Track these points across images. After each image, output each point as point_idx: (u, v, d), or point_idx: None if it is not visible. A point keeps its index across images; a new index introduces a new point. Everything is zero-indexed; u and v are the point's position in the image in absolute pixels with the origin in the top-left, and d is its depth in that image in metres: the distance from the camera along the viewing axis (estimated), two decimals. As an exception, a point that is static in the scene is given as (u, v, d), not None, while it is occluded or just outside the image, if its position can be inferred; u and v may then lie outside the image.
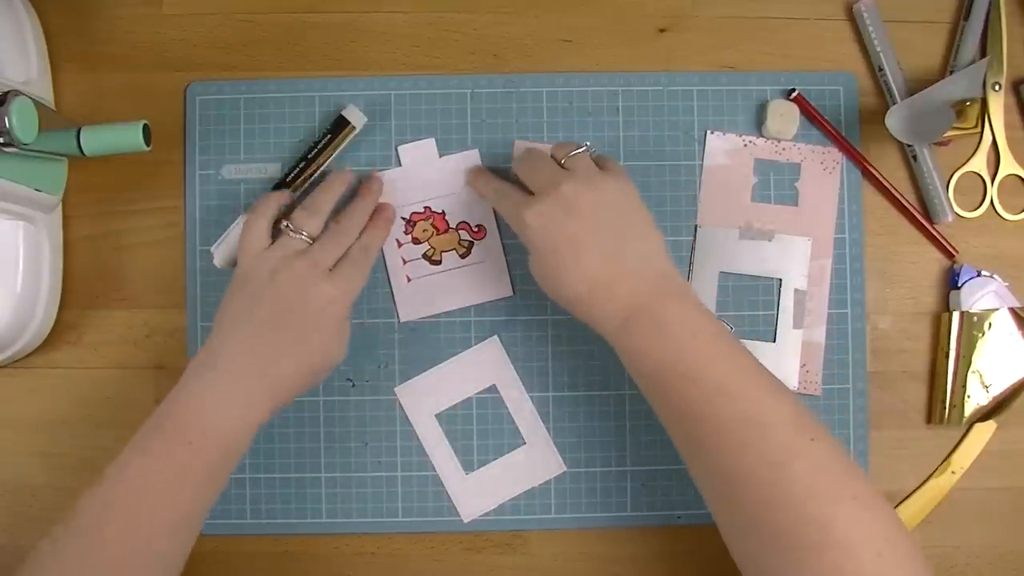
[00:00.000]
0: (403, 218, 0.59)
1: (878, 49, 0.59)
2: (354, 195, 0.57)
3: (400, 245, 0.59)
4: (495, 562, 0.59)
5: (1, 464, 0.59)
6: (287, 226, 0.53)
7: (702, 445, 0.45)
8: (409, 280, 0.59)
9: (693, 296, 0.48)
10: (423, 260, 0.59)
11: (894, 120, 0.55)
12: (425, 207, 0.59)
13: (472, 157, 0.59)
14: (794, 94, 0.59)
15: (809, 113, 0.59)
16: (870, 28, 0.59)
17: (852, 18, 0.60)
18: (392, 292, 0.59)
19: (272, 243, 0.52)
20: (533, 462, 0.59)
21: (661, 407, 0.47)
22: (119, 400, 0.59)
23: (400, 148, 0.59)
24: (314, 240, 0.53)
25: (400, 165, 0.59)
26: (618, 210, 0.49)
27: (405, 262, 0.59)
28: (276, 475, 0.58)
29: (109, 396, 0.59)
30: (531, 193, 0.51)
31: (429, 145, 0.59)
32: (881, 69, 0.59)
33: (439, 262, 0.59)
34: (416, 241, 0.59)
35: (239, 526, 0.58)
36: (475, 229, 0.59)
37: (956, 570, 0.59)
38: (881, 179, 0.59)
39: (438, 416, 0.59)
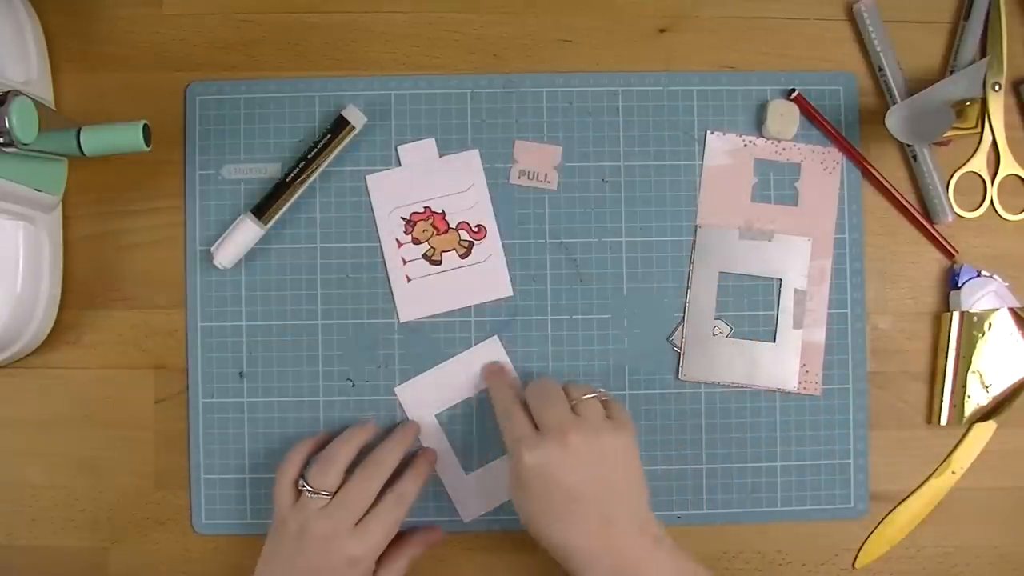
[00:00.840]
0: (403, 218, 0.59)
1: (878, 49, 0.59)
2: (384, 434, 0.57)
3: (400, 245, 0.59)
4: (495, 562, 0.59)
5: (1, 464, 0.59)
6: (303, 485, 0.52)
7: None
8: (409, 280, 0.59)
9: (670, 542, 0.49)
10: (423, 260, 0.59)
11: (894, 120, 0.55)
12: (425, 207, 0.59)
13: (472, 157, 0.59)
14: (794, 94, 0.59)
15: (809, 113, 0.59)
16: (870, 28, 0.59)
17: (852, 18, 0.60)
18: (392, 292, 0.59)
19: (297, 499, 0.52)
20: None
21: None
22: (119, 400, 0.59)
23: (400, 148, 0.59)
24: (334, 493, 0.52)
25: (400, 165, 0.59)
26: (617, 467, 0.49)
27: (405, 262, 0.59)
28: (276, 475, 0.58)
29: (109, 396, 0.59)
30: (534, 425, 0.51)
31: (429, 145, 0.59)
32: (881, 69, 0.59)
33: (439, 262, 0.59)
34: (416, 241, 0.59)
35: (239, 526, 0.58)
36: (475, 229, 0.59)
37: (956, 570, 0.59)
38: (881, 179, 0.59)
39: (438, 416, 0.59)
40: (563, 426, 0.49)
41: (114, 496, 0.59)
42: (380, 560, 0.53)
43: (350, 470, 0.53)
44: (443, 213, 0.59)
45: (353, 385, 0.59)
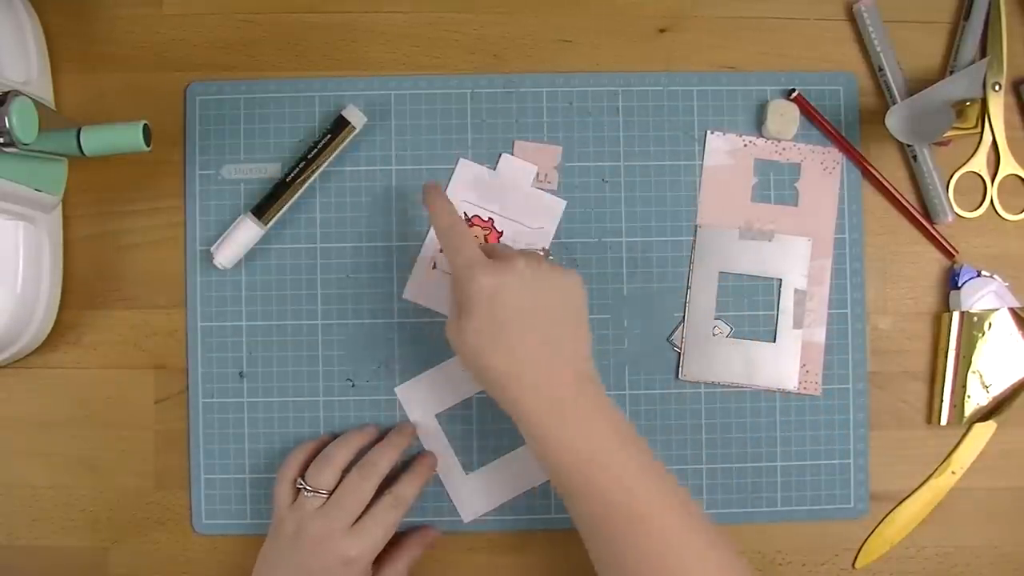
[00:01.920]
0: (465, 213, 0.59)
1: (878, 49, 0.59)
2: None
3: None
4: (495, 562, 0.59)
5: (1, 464, 0.59)
6: (300, 485, 0.52)
7: (599, 532, 0.47)
8: (433, 268, 0.59)
9: (601, 386, 0.49)
10: None
11: (894, 120, 0.55)
12: (490, 217, 0.59)
13: (558, 205, 0.59)
14: (794, 94, 0.59)
15: (809, 113, 0.59)
16: (870, 28, 0.59)
17: (852, 18, 0.60)
18: (412, 267, 0.59)
19: (295, 499, 0.53)
20: (533, 462, 0.58)
21: (563, 484, 0.47)
22: (119, 400, 0.59)
23: (503, 156, 0.59)
24: (330, 493, 0.52)
25: (496, 166, 0.59)
26: (562, 300, 0.49)
27: (441, 250, 0.59)
28: (276, 475, 0.58)
29: (109, 396, 0.59)
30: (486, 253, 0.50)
31: (529, 171, 0.59)
32: (881, 69, 0.59)
33: None
34: None
35: (239, 526, 0.58)
36: None
37: (956, 570, 0.59)
38: (881, 179, 0.59)
39: (438, 416, 0.59)
40: (513, 255, 0.49)
41: (114, 496, 0.59)
42: (378, 563, 0.53)
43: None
44: (501, 233, 0.59)
45: (353, 385, 0.59)
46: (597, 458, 0.46)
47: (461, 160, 0.59)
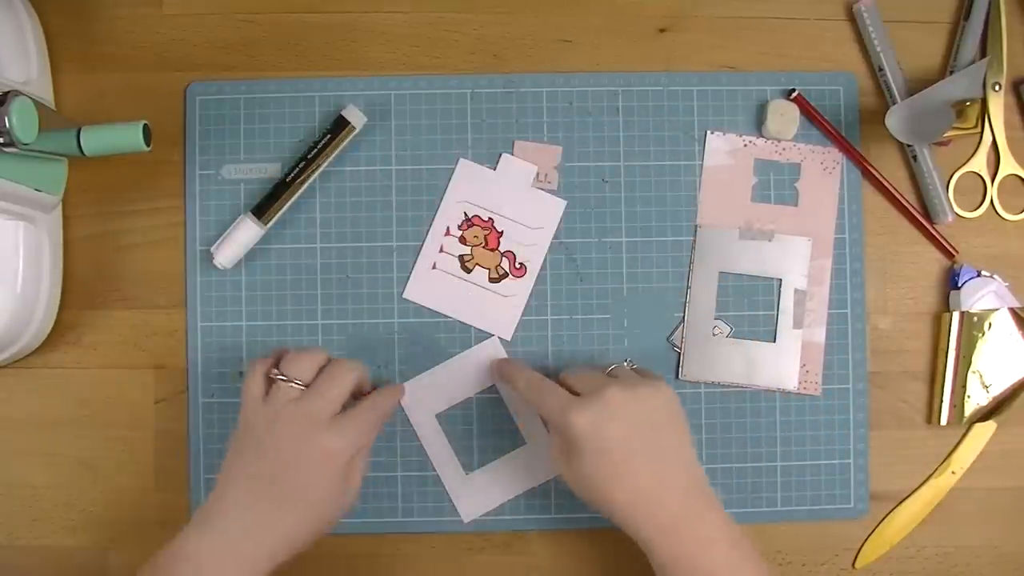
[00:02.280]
0: (465, 213, 0.59)
1: (878, 49, 0.59)
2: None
3: (447, 233, 0.59)
4: (495, 562, 0.59)
5: (1, 464, 0.59)
6: (276, 373, 0.50)
7: None
8: (433, 267, 0.59)
9: (718, 502, 0.49)
10: (456, 260, 0.59)
11: (894, 120, 0.55)
12: (490, 218, 0.59)
13: (559, 206, 0.59)
14: (794, 94, 0.59)
15: (809, 113, 0.59)
16: (870, 28, 0.59)
17: (852, 18, 0.60)
18: (412, 267, 0.59)
19: (267, 394, 0.50)
20: (533, 462, 0.59)
21: None
22: (119, 400, 0.59)
23: (504, 155, 0.59)
24: (307, 386, 0.50)
25: (496, 166, 0.59)
26: (661, 417, 0.50)
27: (441, 250, 0.59)
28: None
29: (109, 396, 0.59)
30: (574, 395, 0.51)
31: (529, 170, 0.59)
32: (881, 69, 0.59)
33: (469, 271, 0.59)
34: (462, 241, 0.59)
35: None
36: (517, 266, 0.59)
37: (956, 570, 0.59)
38: (881, 179, 0.59)
39: (438, 416, 0.59)
40: (600, 384, 0.49)
41: (114, 496, 0.59)
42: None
43: None
44: (501, 233, 0.59)
45: (353, 385, 0.59)
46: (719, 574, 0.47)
47: (461, 160, 0.59)
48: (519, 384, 0.53)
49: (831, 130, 0.59)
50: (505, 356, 0.59)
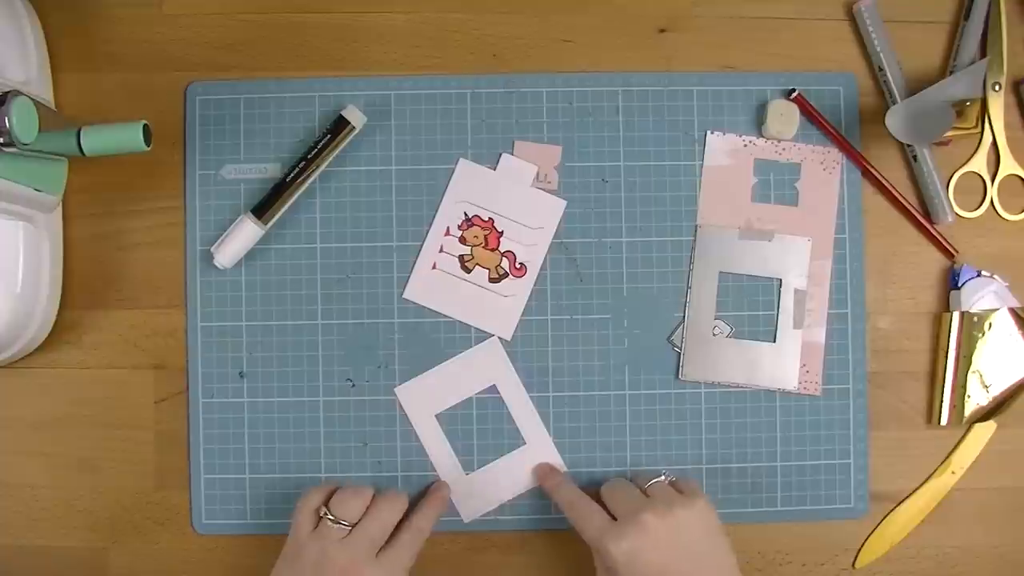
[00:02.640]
0: (465, 213, 0.59)
1: (878, 49, 0.59)
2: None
3: (447, 233, 0.59)
4: (495, 562, 0.59)
5: (1, 464, 0.59)
6: (325, 514, 0.52)
7: None
8: (433, 268, 0.59)
9: None
10: (456, 260, 0.59)
11: (894, 120, 0.55)
12: (490, 218, 0.59)
13: (559, 206, 0.59)
14: (794, 94, 0.59)
15: (809, 113, 0.59)
16: (870, 28, 0.59)
17: (852, 18, 0.60)
18: (412, 267, 0.59)
19: (315, 527, 0.52)
20: (533, 462, 0.59)
21: None
22: (119, 400, 0.59)
23: (504, 155, 0.59)
24: (354, 525, 0.52)
25: (497, 166, 0.59)
26: (701, 542, 0.50)
27: (441, 250, 0.59)
28: (276, 475, 0.58)
29: (109, 396, 0.59)
30: (611, 515, 0.52)
31: (529, 170, 0.59)
32: (881, 69, 0.59)
33: (469, 271, 0.59)
34: (462, 241, 0.59)
35: (239, 526, 0.58)
36: (517, 266, 0.59)
37: (956, 570, 0.59)
38: (881, 179, 0.59)
39: (438, 416, 0.59)
40: (637, 509, 0.50)
41: (114, 496, 0.59)
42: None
43: None
44: (501, 233, 0.59)
45: (353, 385, 0.59)
46: None
47: (461, 160, 0.59)
48: (557, 498, 0.55)
49: (831, 130, 0.59)
50: (504, 357, 0.59)
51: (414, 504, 0.56)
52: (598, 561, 0.51)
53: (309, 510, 0.53)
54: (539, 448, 0.58)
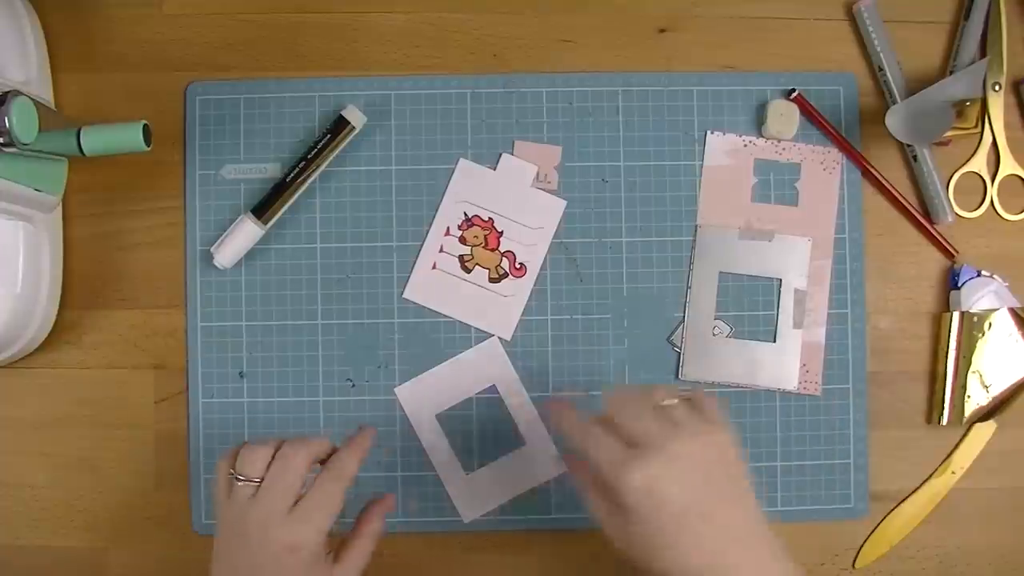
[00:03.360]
0: (465, 213, 0.59)
1: (878, 49, 0.59)
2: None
3: (447, 233, 0.59)
4: (495, 562, 0.59)
5: (1, 464, 0.59)
6: (232, 473, 0.47)
7: None
8: (433, 268, 0.59)
9: (784, 552, 0.45)
10: (456, 260, 0.59)
11: (894, 120, 0.55)
12: (490, 218, 0.59)
13: (559, 206, 0.59)
14: (794, 94, 0.59)
15: (809, 113, 0.59)
16: (870, 28, 0.59)
17: (852, 18, 0.60)
18: (412, 267, 0.59)
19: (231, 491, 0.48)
20: (533, 462, 0.59)
21: None
22: (119, 400, 0.59)
23: (504, 155, 0.59)
24: (262, 480, 0.47)
25: (497, 166, 0.59)
26: (723, 470, 0.45)
27: (441, 250, 0.59)
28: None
29: (109, 396, 0.59)
30: (626, 443, 0.45)
31: (529, 170, 0.59)
32: (881, 69, 0.59)
33: (469, 271, 0.59)
34: (462, 241, 0.59)
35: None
36: (517, 266, 0.59)
37: (956, 570, 0.59)
38: (881, 179, 0.59)
39: (438, 416, 0.59)
40: (662, 436, 0.44)
41: (114, 496, 0.59)
42: (344, 543, 0.50)
43: None
44: (501, 233, 0.59)
45: (353, 385, 0.59)
46: None
47: (461, 160, 0.59)
48: (572, 430, 0.48)
49: (831, 130, 0.59)
50: (504, 357, 0.59)
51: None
52: (603, 499, 0.45)
53: (222, 475, 0.48)
54: (539, 448, 0.58)
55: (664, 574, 0.43)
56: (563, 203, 0.59)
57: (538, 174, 0.59)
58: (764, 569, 0.44)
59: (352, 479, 0.48)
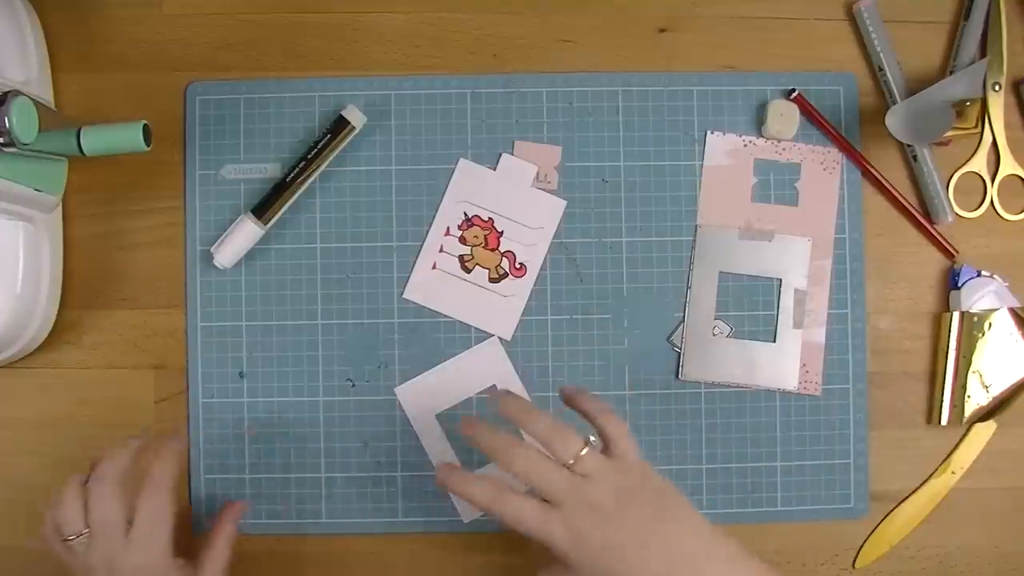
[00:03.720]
0: (465, 213, 0.59)
1: (878, 49, 0.59)
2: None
3: (447, 233, 0.59)
4: (495, 562, 0.59)
5: (1, 464, 0.59)
6: (66, 539, 0.48)
7: None
8: (433, 268, 0.59)
9: (745, 555, 0.46)
10: (456, 260, 0.59)
11: (894, 120, 0.55)
12: (490, 218, 0.59)
13: (559, 207, 0.59)
14: (794, 94, 0.59)
15: (809, 113, 0.59)
16: (870, 28, 0.59)
17: (852, 18, 0.60)
18: (412, 267, 0.59)
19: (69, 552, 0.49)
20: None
21: None
22: (119, 400, 0.59)
23: (504, 156, 0.59)
24: (86, 527, 0.48)
25: (497, 166, 0.59)
26: (649, 497, 0.46)
27: (441, 250, 0.59)
28: (276, 475, 0.58)
29: (109, 396, 0.59)
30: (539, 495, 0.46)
31: (529, 170, 0.59)
32: (881, 69, 0.59)
33: (469, 271, 0.59)
34: (462, 241, 0.59)
35: (239, 526, 0.58)
36: (517, 266, 0.59)
37: (956, 570, 0.59)
38: (881, 179, 0.59)
39: (438, 416, 0.59)
40: (575, 491, 0.45)
41: (114, 496, 0.59)
42: (203, 546, 0.52)
43: None
44: (501, 233, 0.59)
45: (353, 385, 0.59)
46: None
47: (461, 160, 0.59)
48: (471, 493, 0.47)
49: (831, 130, 0.59)
50: (504, 357, 0.59)
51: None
52: (541, 553, 0.46)
53: (56, 545, 0.49)
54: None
55: None
56: (563, 203, 0.59)
57: (538, 174, 0.59)
58: (716, 563, 0.45)
59: (172, 485, 0.50)
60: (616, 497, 0.45)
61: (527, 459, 0.46)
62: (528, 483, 0.46)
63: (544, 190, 0.59)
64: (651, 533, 0.45)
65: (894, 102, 0.59)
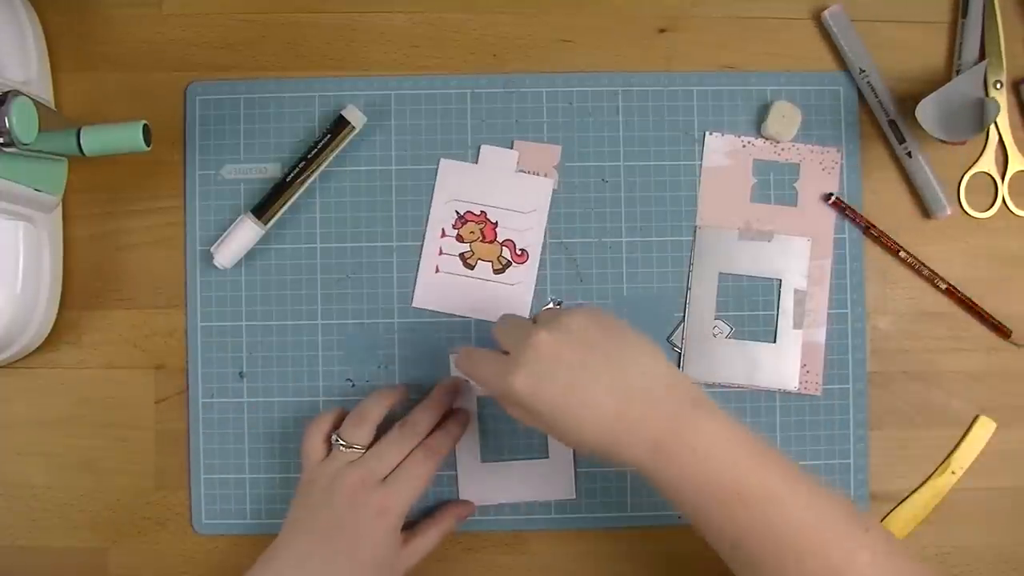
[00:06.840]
0: (457, 212, 0.59)
1: (849, 54, 0.59)
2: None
3: (443, 235, 0.59)
4: (495, 562, 0.59)
5: (1, 464, 0.59)
6: (336, 440, 0.52)
7: (761, 563, 0.43)
8: (437, 271, 0.59)
9: (710, 403, 0.45)
10: (458, 259, 0.59)
11: (924, 113, 0.54)
12: (482, 211, 0.59)
13: (546, 185, 0.59)
14: (832, 199, 0.58)
15: (844, 211, 0.59)
16: (838, 33, 0.59)
17: (851, 18, 0.60)
18: (416, 275, 0.59)
19: (327, 455, 0.53)
20: (549, 478, 0.58)
21: (711, 532, 0.44)
22: (119, 400, 0.59)
23: (483, 147, 0.59)
24: (367, 448, 0.52)
25: (477, 160, 0.59)
26: (600, 336, 0.46)
27: (441, 252, 0.59)
28: (276, 475, 0.58)
29: (109, 396, 0.59)
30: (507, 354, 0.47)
31: (511, 156, 0.59)
32: (863, 71, 0.59)
33: (472, 267, 0.59)
34: (460, 239, 0.59)
35: (239, 526, 0.58)
36: (518, 252, 0.59)
37: (956, 570, 0.59)
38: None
39: (479, 399, 0.58)
40: (526, 334, 0.45)
41: (114, 496, 0.59)
42: (413, 530, 0.54)
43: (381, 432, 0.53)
44: (496, 224, 0.59)
45: (353, 385, 0.59)
46: (726, 488, 0.43)
47: (442, 160, 0.59)
48: (461, 363, 0.50)
49: (861, 220, 0.59)
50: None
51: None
52: (510, 409, 0.47)
53: (318, 438, 0.53)
54: (560, 467, 0.58)
55: (585, 444, 0.45)
56: (550, 182, 0.59)
57: (539, 174, 0.59)
58: (678, 415, 0.44)
59: (442, 461, 0.53)
60: (565, 338, 0.45)
61: (501, 320, 0.50)
62: (498, 338, 0.49)
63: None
64: (603, 372, 0.45)
65: (880, 103, 0.59)
